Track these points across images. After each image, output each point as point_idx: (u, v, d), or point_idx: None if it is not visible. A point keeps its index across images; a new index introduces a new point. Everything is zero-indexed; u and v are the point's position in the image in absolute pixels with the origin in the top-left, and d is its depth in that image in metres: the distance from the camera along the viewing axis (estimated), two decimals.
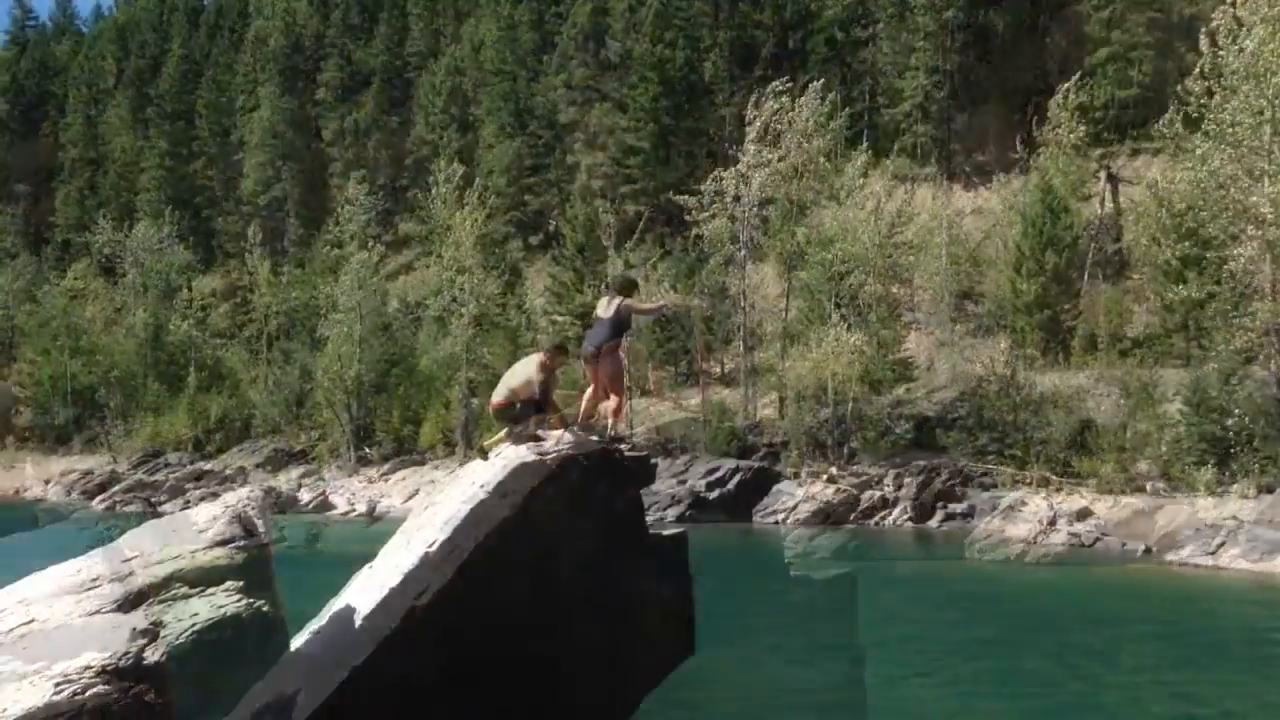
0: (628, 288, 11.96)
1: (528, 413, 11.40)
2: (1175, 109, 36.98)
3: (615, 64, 73.43)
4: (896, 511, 39.66)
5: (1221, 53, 34.38)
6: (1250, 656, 18.09)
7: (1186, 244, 37.77)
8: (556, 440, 11.27)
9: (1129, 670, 16.95)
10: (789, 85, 50.65)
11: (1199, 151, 34.87)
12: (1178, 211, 40.35)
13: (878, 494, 40.58)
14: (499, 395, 11.56)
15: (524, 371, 11.55)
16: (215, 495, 11.25)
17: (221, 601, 8.66)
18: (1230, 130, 34.14)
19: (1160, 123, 37.69)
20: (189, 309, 74.47)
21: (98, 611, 8.66)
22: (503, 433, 11.66)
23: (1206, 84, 34.93)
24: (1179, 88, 37.53)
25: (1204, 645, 19.03)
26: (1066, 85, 53.13)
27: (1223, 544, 28.26)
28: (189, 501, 44.03)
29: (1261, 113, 34.02)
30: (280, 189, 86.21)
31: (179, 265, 77.43)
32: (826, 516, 39.50)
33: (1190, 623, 21.31)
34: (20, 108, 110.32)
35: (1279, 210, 33.65)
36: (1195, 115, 35.61)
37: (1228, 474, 35.21)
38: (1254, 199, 33.99)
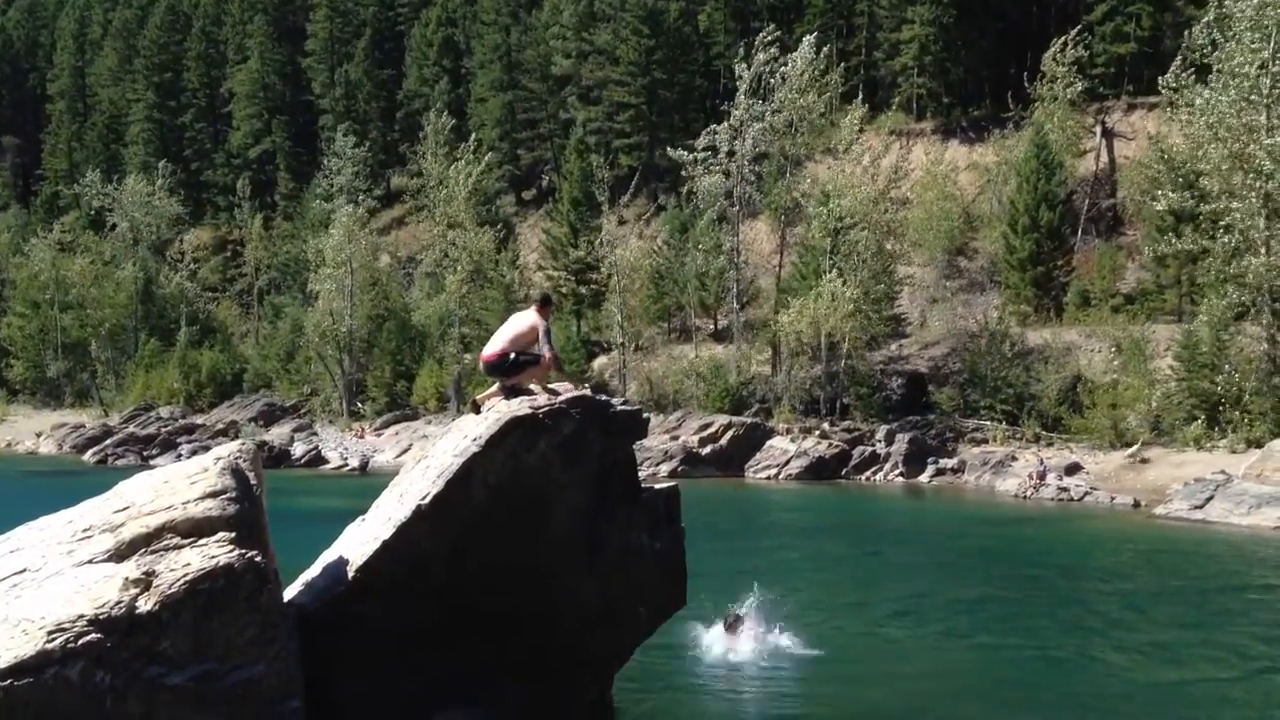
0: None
1: (523, 364, 11.43)
2: (1182, 60, 36.79)
3: (609, 15, 72.63)
4: (888, 467, 39.83)
5: (1228, 1, 34.25)
6: (1231, 608, 18.26)
7: (1185, 194, 37.61)
8: (548, 395, 11.28)
9: (1115, 623, 17.11)
10: (778, 35, 50.09)
11: (1199, 101, 34.74)
12: (1176, 163, 40.21)
13: (869, 449, 40.74)
14: (492, 348, 11.56)
15: (524, 321, 11.65)
16: (207, 449, 11.27)
17: (214, 552, 8.66)
18: (1233, 80, 34.03)
19: (1167, 76, 37.36)
20: (179, 262, 74.06)
21: (90, 561, 8.67)
22: (494, 386, 11.66)
23: (1212, 34, 34.79)
24: (1186, 33, 37.30)
25: (1188, 597, 19.22)
26: (1062, 39, 52.78)
27: (1210, 498, 28.46)
28: (181, 455, 44.06)
29: (1264, 66, 33.90)
30: (270, 142, 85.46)
31: (169, 218, 76.85)
32: (818, 472, 39.68)
33: (1175, 576, 21.49)
34: (7, 59, 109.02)
35: (1277, 163, 33.59)
36: (1201, 64, 35.49)
37: (1217, 429, 35.42)
38: (1252, 148, 33.91)
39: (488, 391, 11.70)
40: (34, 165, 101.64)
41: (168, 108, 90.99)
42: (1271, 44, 33.93)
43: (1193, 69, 36.38)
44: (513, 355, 11.41)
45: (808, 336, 44.63)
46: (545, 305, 11.97)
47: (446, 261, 56.91)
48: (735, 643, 14.16)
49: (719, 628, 14.53)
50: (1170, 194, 38.16)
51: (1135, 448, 36.24)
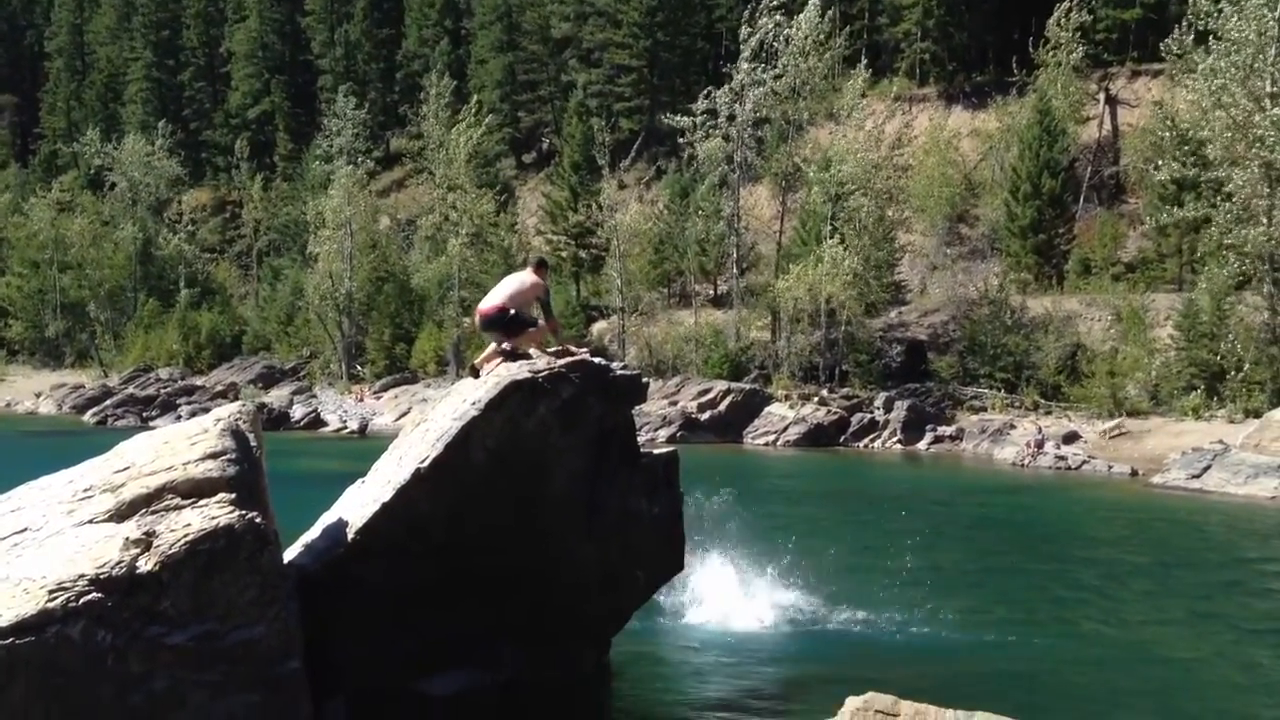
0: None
1: (521, 324, 11.43)
2: (1186, 26, 36.51)
3: None
4: (886, 434, 39.92)
5: None
6: (1238, 580, 18.33)
7: (1188, 162, 37.41)
8: (548, 358, 11.28)
9: (1118, 593, 17.18)
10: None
11: (1201, 67, 34.52)
12: (1181, 129, 40.00)
13: (868, 416, 40.81)
14: (491, 301, 11.54)
15: (523, 280, 11.65)
16: (206, 410, 11.29)
17: (214, 513, 8.68)
18: (1235, 49, 33.80)
19: (1169, 40, 37.09)
20: (178, 223, 73.85)
21: (91, 521, 8.69)
22: (491, 348, 11.67)
23: (1217, 2, 34.55)
24: (1190, 1, 37.01)
25: (1195, 568, 19.28)
26: (1066, 4, 52.36)
27: (1208, 468, 28.54)
28: (180, 416, 44.14)
29: (1264, 33, 33.66)
30: (269, 102, 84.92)
31: (168, 179, 76.54)
32: (816, 438, 39.77)
33: (1178, 546, 21.57)
34: (4, 16, 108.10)
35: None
36: (1204, 30, 35.23)
37: (1216, 399, 35.48)
38: (1256, 118, 33.74)
39: (485, 354, 11.70)
40: (32, 124, 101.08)
41: (166, 66, 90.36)
42: (1278, 9, 33.67)
43: (1194, 35, 36.08)
44: (512, 311, 11.41)
45: (806, 303, 44.59)
46: (542, 268, 11.96)
47: (447, 225, 56.71)
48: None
49: (719, 593, 14.59)
50: (1173, 163, 37.97)
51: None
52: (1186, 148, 38.31)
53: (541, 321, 11.65)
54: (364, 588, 10.24)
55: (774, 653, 13.11)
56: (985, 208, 52.46)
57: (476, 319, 11.86)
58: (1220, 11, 34.44)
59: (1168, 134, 41.02)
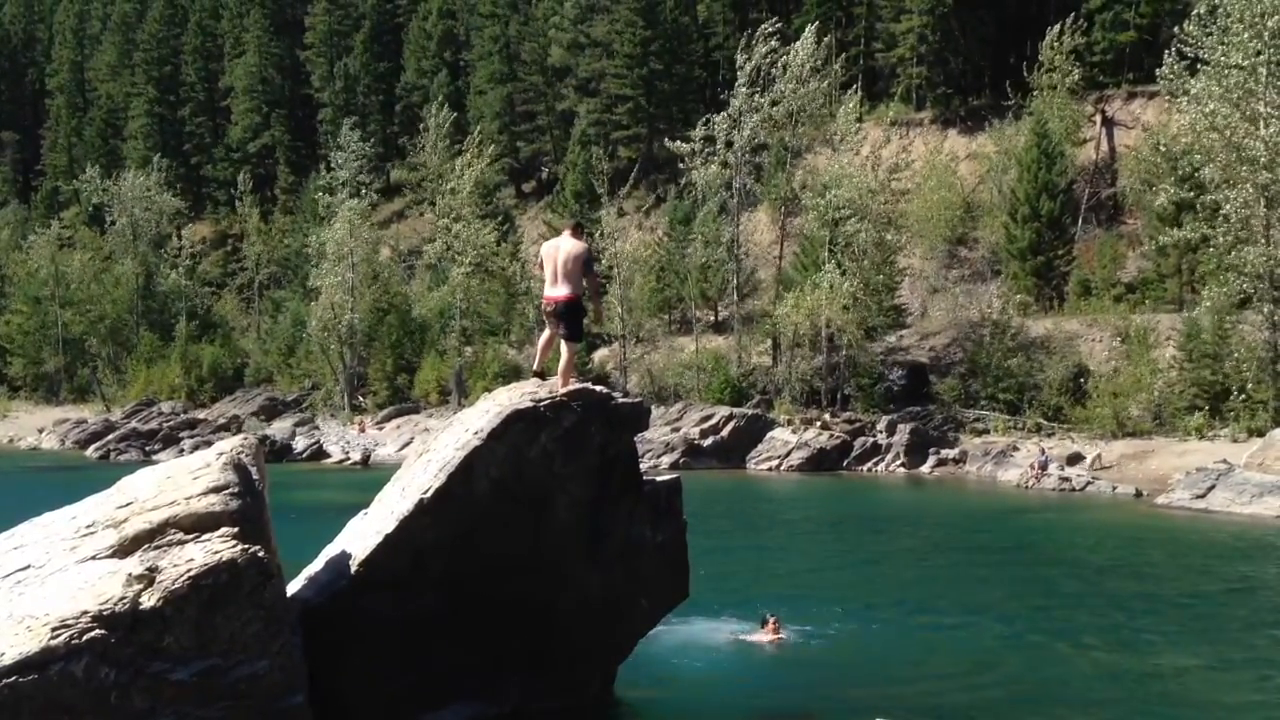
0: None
1: (580, 322, 11.57)
2: (1175, 53, 36.67)
3: (606, 7, 72.54)
4: (889, 458, 39.81)
5: None
6: (1245, 602, 18.24)
7: (1183, 187, 37.51)
8: (550, 388, 11.29)
9: (1130, 617, 17.09)
10: (779, 26, 49.99)
11: (1194, 92, 34.64)
12: (1174, 154, 40.11)
13: (870, 440, 40.71)
14: (560, 290, 11.44)
15: (571, 250, 11.52)
16: (209, 444, 11.27)
17: (217, 547, 8.67)
18: (1227, 72, 33.92)
19: (1161, 67, 37.23)
20: (179, 258, 74.04)
21: (94, 557, 8.68)
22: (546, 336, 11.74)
23: (1204, 26, 34.67)
24: (1177, 29, 37.21)
25: (1205, 591, 19.19)
26: (1058, 27, 52.64)
27: (1212, 488, 28.47)
28: (183, 450, 44.09)
29: (1258, 54, 33.78)
30: (269, 136, 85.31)
31: (169, 213, 76.70)
32: (819, 463, 39.65)
33: (1188, 568, 21.50)
34: (5, 54, 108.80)
35: (1274, 153, 33.51)
36: (1193, 57, 35.35)
37: (1218, 419, 35.41)
38: (1249, 141, 33.83)
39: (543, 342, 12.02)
40: (33, 161, 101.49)
41: (167, 102, 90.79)
42: (1268, 31, 33.79)
43: (1185, 61, 36.22)
44: (578, 299, 11.54)
45: (805, 329, 44.60)
46: (579, 230, 11.99)
47: (449, 254, 56.78)
48: (774, 641, 14.01)
49: (726, 624, 14.54)
50: (1169, 186, 38.06)
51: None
52: (1180, 173, 38.40)
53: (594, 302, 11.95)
54: (368, 620, 10.20)
55: (782, 680, 13.04)
56: (984, 230, 52.53)
57: (544, 305, 11.86)
58: (1210, 35, 34.59)
59: (1160, 158, 41.13)
